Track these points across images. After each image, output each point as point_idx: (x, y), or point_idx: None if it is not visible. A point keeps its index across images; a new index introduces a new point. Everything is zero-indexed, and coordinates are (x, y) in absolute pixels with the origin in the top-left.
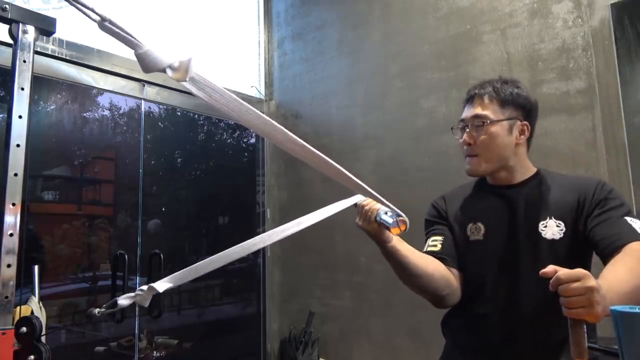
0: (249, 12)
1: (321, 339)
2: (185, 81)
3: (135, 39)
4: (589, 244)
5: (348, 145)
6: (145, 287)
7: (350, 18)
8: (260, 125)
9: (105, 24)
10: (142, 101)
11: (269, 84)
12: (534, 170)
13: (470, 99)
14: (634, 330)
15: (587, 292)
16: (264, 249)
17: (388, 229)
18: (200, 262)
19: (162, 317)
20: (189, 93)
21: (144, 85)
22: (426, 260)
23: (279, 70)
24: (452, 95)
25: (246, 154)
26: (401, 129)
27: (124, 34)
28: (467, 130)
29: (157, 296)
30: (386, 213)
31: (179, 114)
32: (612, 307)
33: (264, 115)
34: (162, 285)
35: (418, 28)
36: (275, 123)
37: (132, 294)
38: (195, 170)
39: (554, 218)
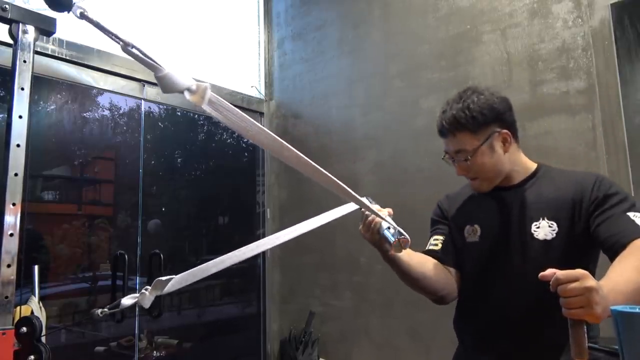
0: (249, 12)
1: (321, 339)
2: (202, 105)
3: (156, 62)
4: (594, 244)
5: (348, 145)
6: (149, 288)
7: (350, 18)
8: (270, 143)
9: (128, 49)
10: (142, 101)
11: (269, 84)
12: (534, 167)
13: (442, 134)
14: (634, 330)
15: (586, 292)
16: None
17: (390, 243)
18: (201, 265)
19: (162, 317)
20: None
21: (144, 85)
22: (425, 263)
23: (279, 70)
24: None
25: (246, 154)
26: (401, 129)
27: (146, 58)
28: (455, 162)
29: (157, 296)
30: (388, 228)
31: (179, 114)
32: (612, 307)
33: (273, 135)
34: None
35: (418, 28)
36: (284, 142)
37: (136, 295)
38: (195, 170)
39: (547, 219)
